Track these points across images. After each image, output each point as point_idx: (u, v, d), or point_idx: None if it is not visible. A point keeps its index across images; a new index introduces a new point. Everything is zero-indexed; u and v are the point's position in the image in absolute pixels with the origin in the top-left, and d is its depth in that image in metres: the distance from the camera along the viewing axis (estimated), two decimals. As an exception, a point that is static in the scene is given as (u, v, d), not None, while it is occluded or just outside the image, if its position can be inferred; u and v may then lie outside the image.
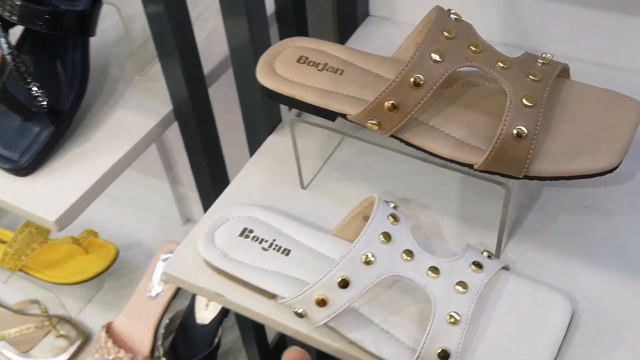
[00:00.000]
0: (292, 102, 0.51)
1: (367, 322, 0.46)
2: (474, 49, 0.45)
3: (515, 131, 0.43)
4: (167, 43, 0.61)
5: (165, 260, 1.06)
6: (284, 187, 0.58)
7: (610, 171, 0.45)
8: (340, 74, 0.52)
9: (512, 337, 0.45)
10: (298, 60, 0.53)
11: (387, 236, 0.45)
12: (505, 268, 0.48)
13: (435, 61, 0.44)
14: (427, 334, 0.43)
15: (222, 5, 0.55)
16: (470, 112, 0.48)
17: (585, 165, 0.44)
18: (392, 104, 0.45)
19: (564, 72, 0.49)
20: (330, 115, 0.50)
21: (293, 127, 0.53)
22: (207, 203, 0.81)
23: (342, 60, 0.53)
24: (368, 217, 0.48)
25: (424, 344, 0.43)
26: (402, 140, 0.48)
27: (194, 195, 1.21)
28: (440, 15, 0.46)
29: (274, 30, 0.77)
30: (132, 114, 0.67)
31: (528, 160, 0.44)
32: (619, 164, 0.45)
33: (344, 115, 0.49)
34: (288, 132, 0.55)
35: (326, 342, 0.47)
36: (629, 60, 0.63)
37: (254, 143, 0.64)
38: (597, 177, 0.45)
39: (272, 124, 0.63)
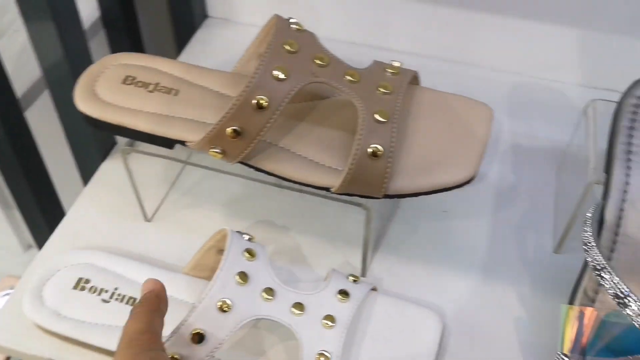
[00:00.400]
0: (121, 131, 0.44)
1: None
2: (319, 62, 0.41)
3: (370, 150, 0.40)
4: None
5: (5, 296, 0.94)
6: (125, 221, 0.52)
7: (469, 182, 0.43)
8: (175, 94, 0.46)
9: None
10: (124, 81, 0.46)
11: (243, 276, 0.40)
12: (373, 289, 0.46)
13: (279, 79, 0.39)
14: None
15: (21, 9, 0.46)
16: (322, 128, 0.44)
17: (443, 180, 0.42)
18: (235, 129, 0.40)
19: (414, 79, 0.46)
20: (168, 143, 0.44)
21: (125, 157, 0.46)
22: (40, 241, 0.71)
23: (176, 78, 0.47)
24: (222, 251, 0.43)
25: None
26: (251, 166, 0.43)
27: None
28: (280, 27, 0.42)
29: (102, 39, 0.68)
30: None
31: (386, 180, 0.41)
32: (476, 174, 0.43)
33: (182, 142, 0.43)
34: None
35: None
36: (478, 56, 0.63)
37: (86, 171, 0.56)
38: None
39: (105, 148, 0.56)
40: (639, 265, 0.42)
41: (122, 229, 0.51)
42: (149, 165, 0.53)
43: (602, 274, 0.39)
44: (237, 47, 0.51)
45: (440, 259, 0.50)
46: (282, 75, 0.40)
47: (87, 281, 0.45)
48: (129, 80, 0.46)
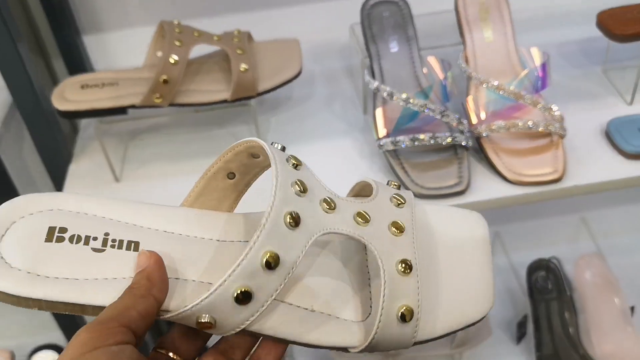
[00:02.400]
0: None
1: (293, 310, 0.37)
2: (196, 34, 0.73)
3: (241, 68, 0.72)
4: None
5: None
6: (102, 186, 0.77)
7: (296, 76, 0.76)
8: (117, 85, 0.75)
9: (456, 268, 0.40)
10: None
11: (301, 185, 0.35)
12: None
13: (178, 46, 0.71)
14: (382, 299, 0.35)
15: None
16: (211, 74, 0.76)
17: (286, 76, 0.75)
18: (165, 79, 0.70)
19: (249, 37, 0.80)
20: (121, 110, 0.73)
21: (99, 131, 0.74)
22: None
23: (112, 78, 0.76)
24: (233, 174, 0.40)
25: (381, 309, 0.35)
26: (178, 104, 0.73)
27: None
28: (167, 24, 0.73)
29: None
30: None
31: (256, 84, 0.73)
32: (301, 70, 0.77)
33: (131, 107, 0.73)
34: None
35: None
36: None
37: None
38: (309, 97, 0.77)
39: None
40: (398, 86, 0.77)
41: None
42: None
43: (379, 89, 0.73)
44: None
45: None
46: (178, 44, 0.71)
47: (63, 230, 0.35)
48: (84, 87, 0.75)
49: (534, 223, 1.27)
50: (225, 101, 0.73)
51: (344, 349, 0.37)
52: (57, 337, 1.08)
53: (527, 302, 1.11)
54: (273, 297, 0.34)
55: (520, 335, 1.12)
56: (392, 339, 0.36)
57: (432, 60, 0.77)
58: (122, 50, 0.96)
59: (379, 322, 0.36)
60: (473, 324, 0.39)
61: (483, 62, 0.78)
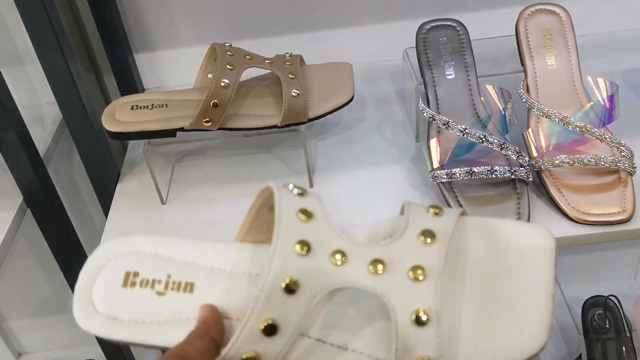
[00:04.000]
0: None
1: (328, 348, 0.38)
2: (248, 57, 0.72)
3: (293, 93, 0.70)
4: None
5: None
6: (150, 208, 0.76)
7: (348, 102, 0.74)
8: (166, 106, 0.74)
9: (507, 297, 0.36)
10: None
11: (304, 245, 0.35)
12: (463, 214, 0.40)
13: (229, 69, 0.69)
14: (395, 352, 0.34)
15: None
16: (261, 98, 0.74)
17: (338, 102, 0.73)
18: (215, 102, 0.69)
19: (301, 60, 0.78)
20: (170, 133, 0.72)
21: (147, 152, 0.73)
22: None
23: (161, 100, 0.75)
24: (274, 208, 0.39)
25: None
26: (227, 129, 0.72)
27: (19, 324, 1.26)
28: (219, 47, 0.72)
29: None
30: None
31: (307, 110, 0.71)
32: (353, 96, 0.75)
33: (180, 129, 0.71)
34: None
35: None
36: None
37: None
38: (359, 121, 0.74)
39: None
40: (454, 115, 0.74)
41: (147, 214, 0.76)
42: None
43: (435, 118, 0.70)
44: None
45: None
46: (230, 67, 0.69)
47: (136, 274, 0.41)
48: (134, 107, 0.74)
49: (590, 255, 1.21)
50: (275, 126, 0.71)
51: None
52: (96, 351, 1.07)
53: (582, 341, 1.06)
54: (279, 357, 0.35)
55: (574, 376, 1.06)
56: None
57: (490, 89, 0.74)
58: (173, 70, 0.96)
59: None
60: None
61: (545, 91, 0.74)
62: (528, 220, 0.66)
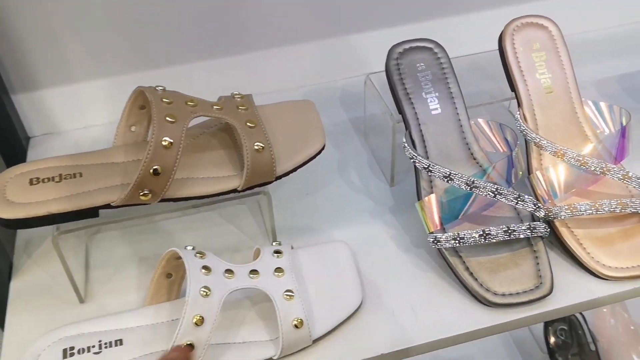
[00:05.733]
0: (48, 219, 0.52)
1: (227, 347, 0.52)
2: (191, 104, 0.54)
3: (255, 147, 0.54)
4: None
5: None
6: (64, 311, 0.57)
7: (321, 151, 0.59)
8: (80, 176, 0.55)
9: (328, 288, 0.55)
10: (30, 183, 0.53)
11: (206, 268, 0.50)
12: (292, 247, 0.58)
13: (170, 122, 0.52)
14: (280, 317, 0.50)
15: None
16: (212, 152, 0.57)
17: (309, 152, 0.57)
18: (155, 169, 0.51)
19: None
20: (93, 212, 0.53)
21: (56, 243, 0.53)
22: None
23: (71, 166, 0.56)
24: (170, 274, 0.53)
25: (281, 325, 0.50)
26: (169, 200, 0.54)
27: None
28: (151, 92, 0.54)
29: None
30: None
31: (274, 166, 0.55)
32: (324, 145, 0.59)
33: (107, 206, 0.53)
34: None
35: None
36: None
37: None
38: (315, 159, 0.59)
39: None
40: (446, 158, 0.61)
41: (64, 317, 0.56)
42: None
43: (430, 169, 0.57)
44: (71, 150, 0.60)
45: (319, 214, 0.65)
46: (171, 119, 0.52)
47: (72, 348, 0.51)
48: (34, 181, 0.54)
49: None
50: (234, 191, 0.55)
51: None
52: None
53: (546, 360, 0.99)
54: (207, 343, 0.49)
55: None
56: (295, 342, 0.52)
57: (484, 126, 0.62)
58: (65, 111, 0.75)
59: (282, 333, 0.51)
60: (350, 316, 0.55)
61: (544, 120, 0.63)
62: (552, 285, 0.55)
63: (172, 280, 0.55)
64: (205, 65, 0.76)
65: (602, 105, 0.63)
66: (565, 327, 1.02)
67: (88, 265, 0.61)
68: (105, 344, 0.51)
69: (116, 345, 0.51)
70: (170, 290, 0.55)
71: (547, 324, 1.03)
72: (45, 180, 0.54)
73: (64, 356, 0.50)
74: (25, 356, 0.51)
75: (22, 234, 0.63)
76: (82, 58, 0.72)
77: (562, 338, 1.02)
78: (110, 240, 0.62)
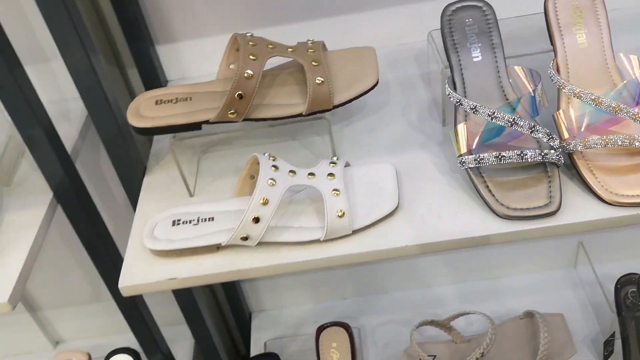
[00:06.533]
0: (167, 129, 0.72)
1: (286, 229, 0.68)
2: (271, 46, 0.71)
3: (317, 81, 0.70)
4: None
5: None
6: (178, 200, 0.77)
7: (375, 85, 0.73)
8: (191, 99, 0.74)
9: (370, 194, 0.69)
10: (156, 103, 0.74)
11: (275, 167, 0.66)
12: (347, 164, 0.73)
13: (252, 60, 0.69)
14: (326, 208, 0.65)
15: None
16: (286, 86, 0.74)
17: (362, 87, 0.72)
18: (239, 94, 0.68)
19: (323, 46, 0.77)
20: (196, 126, 0.72)
21: (173, 148, 0.73)
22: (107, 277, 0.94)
23: (186, 92, 0.75)
24: (252, 176, 0.69)
25: (327, 214, 0.65)
26: (251, 120, 0.71)
27: (55, 313, 1.28)
28: (241, 37, 0.71)
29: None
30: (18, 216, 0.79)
31: (332, 97, 0.70)
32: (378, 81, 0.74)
33: (206, 122, 0.71)
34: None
35: (267, 262, 0.67)
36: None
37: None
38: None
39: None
40: (482, 98, 0.72)
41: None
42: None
43: (462, 102, 0.69)
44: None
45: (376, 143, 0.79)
46: (253, 57, 0.69)
47: (179, 220, 0.70)
48: (159, 102, 0.74)
49: (622, 232, 1.19)
50: (300, 115, 0.71)
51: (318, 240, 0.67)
52: (130, 338, 1.09)
53: (615, 319, 1.04)
54: (270, 218, 0.65)
55: (607, 354, 1.05)
56: (337, 229, 0.66)
57: (519, 70, 0.72)
58: (194, 60, 0.95)
59: (327, 222, 0.65)
60: (386, 216, 0.69)
61: (576, 71, 0.72)
62: (560, 204, 0.65)
63: (254, 181, 0.69)
64: (305, 25, 0.93)
65: (633, 57, 0.71)
66: (635, 290, 1.06)
67: (198, 172, 0.80)
68: (202, 219, 0.69)
69: (209, 220, 0.70)
70: (253, 188, 0.67)
71: (618, 286, 1.07)
72: (166, 101, 0.74)
73: (172, 224, 0.70)
74: (148, 223, 0.71)
75: (155, 146, 0.85)
76: (208, 16, 0.91)
77: (631, 299, 1.06)
78: (214, 157, 0.82)
